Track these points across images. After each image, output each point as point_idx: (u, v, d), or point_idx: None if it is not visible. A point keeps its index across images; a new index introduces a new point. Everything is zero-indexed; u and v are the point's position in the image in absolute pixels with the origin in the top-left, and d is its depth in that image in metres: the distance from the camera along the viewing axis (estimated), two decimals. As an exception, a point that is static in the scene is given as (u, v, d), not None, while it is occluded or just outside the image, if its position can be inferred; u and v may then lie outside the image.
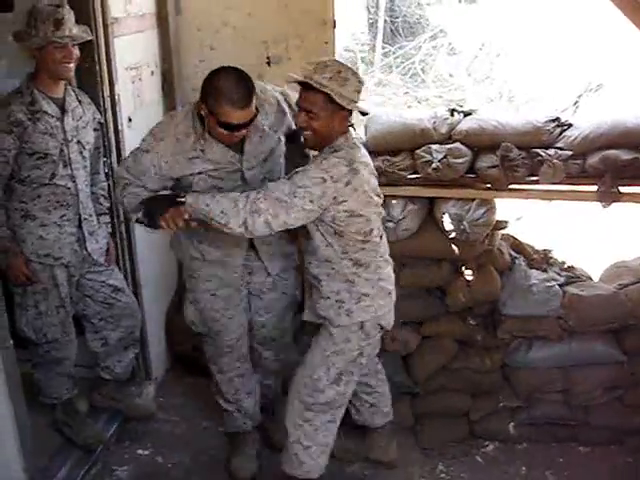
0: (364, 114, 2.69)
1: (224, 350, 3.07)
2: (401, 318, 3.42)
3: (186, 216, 2.54)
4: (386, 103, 9.17)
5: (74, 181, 3.00)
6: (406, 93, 9.80)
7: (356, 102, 2.55)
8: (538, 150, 3.19)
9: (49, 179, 2.94)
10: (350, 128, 2.66)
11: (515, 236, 3.65)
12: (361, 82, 2.57)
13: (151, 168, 2.64)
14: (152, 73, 3.56)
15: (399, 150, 3.32)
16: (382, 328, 2.86)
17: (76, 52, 2.87)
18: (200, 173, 2.66)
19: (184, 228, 2.62)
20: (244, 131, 2.58)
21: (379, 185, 3.24)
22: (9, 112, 2.81)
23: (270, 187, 2.53)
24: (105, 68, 3.16)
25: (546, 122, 3.28)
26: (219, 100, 2.47)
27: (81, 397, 3.43)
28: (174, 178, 2.69)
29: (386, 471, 3.27)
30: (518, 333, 3.37)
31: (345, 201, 2.53)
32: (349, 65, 2.61)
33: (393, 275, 2.89)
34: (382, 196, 2.80)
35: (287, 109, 2.82)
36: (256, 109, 2.56)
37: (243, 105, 2.47)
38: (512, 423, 3.46)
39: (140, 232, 3.45)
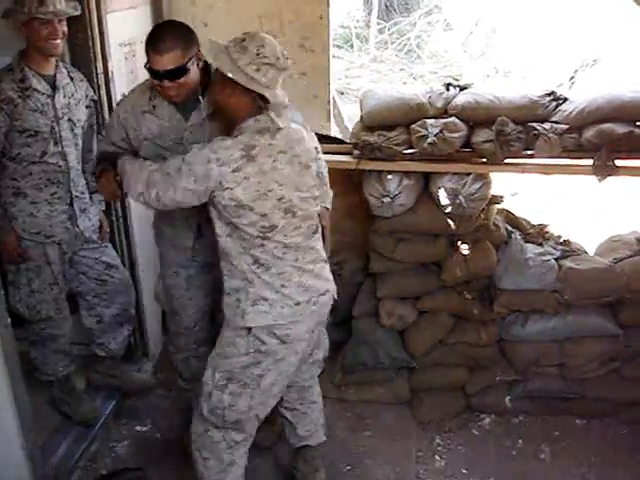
0: (263, 98, 2.32)
1: (181, 330, 3.03)
2: (398, 293, 3.45)
3: (118, 179, 2.52)
4: (381, 79, 9.12)
5: (65, 159, 2.98)
6: (402, 69, 9.75)
7: (254, 79, 2.27)
8: (534, 124, 3.18)
9: (40, 157, 2.92)
10: (270, 112, 2.35)
11: (511, 211, 3.65)
12: (260, 56, 2.27)
13: (115, 120, 2.70)
14: (145, 49, 3.53)
15: (395, 125, 3.30)
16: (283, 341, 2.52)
17: (63, 28, 2.83)
18: (146, 139, 2.62)
19: (117, 193, 2.59)
20: (174, 85, 2.47)
21: (374, 160, 3.27)
22: None
23: (167, 161, 2.44)
24: (98, 44, 3.12)
25: (542, 96, 3.27)
26: (145, 46, 2.47)
27: (78, 374, 3.44)
28: (129, 137, 2.67)
29: (384, 444, 3.29)
30: (514, 307, 3.38)
31: (230, 188, 2.31)
32: (273, 42, 2.32)
33: (315, 286, 2.53)
34: (315, 197, 2.52)
35: None
36: (197, 66, 2.51)
37: (162, 51, 2.41)
38: (508, 396, 3.47)
39: (136, 210, 3.43)
